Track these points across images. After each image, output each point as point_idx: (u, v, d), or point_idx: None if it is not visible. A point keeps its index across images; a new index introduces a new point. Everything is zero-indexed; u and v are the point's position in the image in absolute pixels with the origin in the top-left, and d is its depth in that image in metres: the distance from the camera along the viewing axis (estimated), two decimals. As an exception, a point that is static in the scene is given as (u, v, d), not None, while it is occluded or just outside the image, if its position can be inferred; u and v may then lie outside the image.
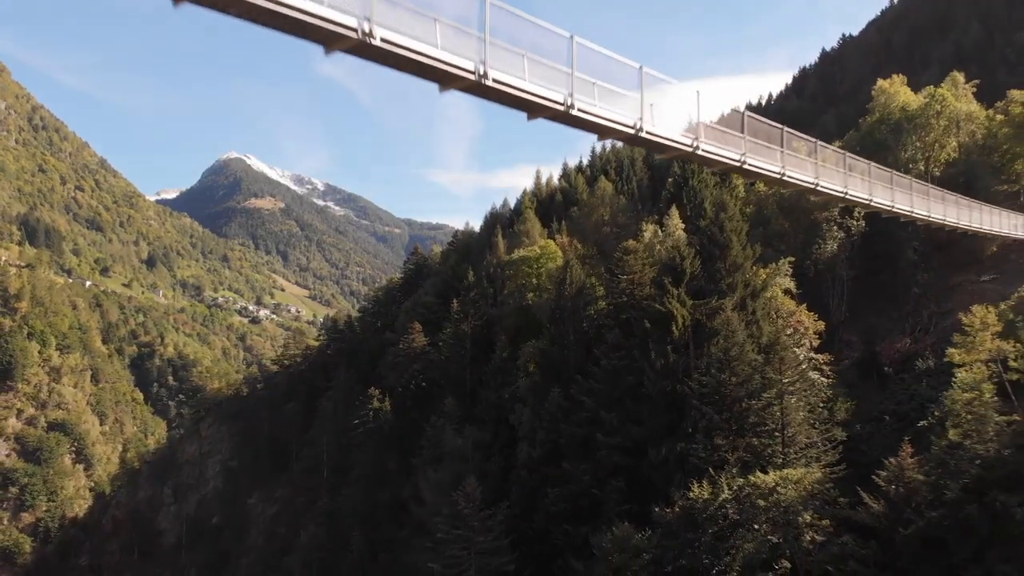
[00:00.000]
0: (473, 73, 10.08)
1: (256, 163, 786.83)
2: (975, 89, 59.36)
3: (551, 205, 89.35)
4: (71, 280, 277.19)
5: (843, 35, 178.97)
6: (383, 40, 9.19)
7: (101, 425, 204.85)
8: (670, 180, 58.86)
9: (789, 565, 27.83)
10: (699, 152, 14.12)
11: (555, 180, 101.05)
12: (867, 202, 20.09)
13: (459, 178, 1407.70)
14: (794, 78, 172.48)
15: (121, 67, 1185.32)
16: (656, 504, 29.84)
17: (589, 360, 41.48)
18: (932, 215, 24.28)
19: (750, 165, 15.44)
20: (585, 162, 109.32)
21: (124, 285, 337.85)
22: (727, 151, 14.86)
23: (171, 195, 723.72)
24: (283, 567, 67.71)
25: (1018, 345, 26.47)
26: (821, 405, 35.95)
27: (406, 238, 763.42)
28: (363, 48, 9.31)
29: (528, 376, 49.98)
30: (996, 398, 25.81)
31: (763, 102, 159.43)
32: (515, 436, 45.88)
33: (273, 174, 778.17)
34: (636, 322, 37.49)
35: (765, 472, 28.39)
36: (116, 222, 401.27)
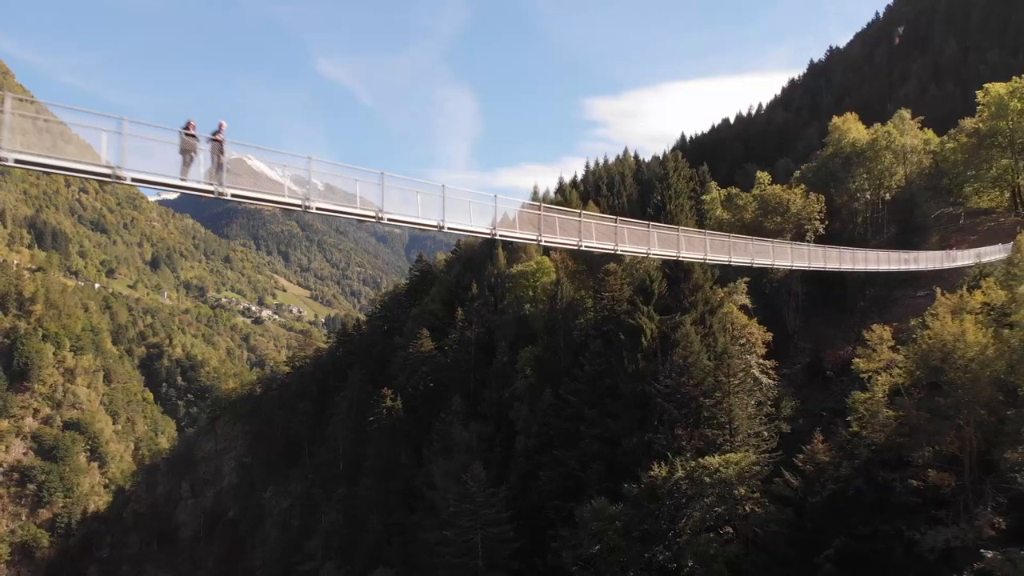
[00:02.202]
0: (300, 206, 17.62)
1: (256, 164, 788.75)
2: (919, 125, 66.60)
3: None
4: (81, 283, 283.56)
5: (830, 47, 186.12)
6: (233, 195, 16.08)
7: (114, 424, 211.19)
8: (651, 204, 65.91)
9: (731, 530, 35.11)
10: (498, 236, 21.45)
11: (551, 193, 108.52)
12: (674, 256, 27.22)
13: (460, 178, 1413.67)
14: (783, 89, 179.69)
15: (121, 67, 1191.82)
16: (627, 482, 37.09)
17: (576, 365, 48.73)
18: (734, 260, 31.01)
19: (547, 241, 22.60)
20: (580, 176, 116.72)
21: (129, 287, 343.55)
22: (525, 233, 22.07)
23: (172, 195, 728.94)
24: (306, 550, 74.66)
25: (903, 356, 33.52)
26: (769, 403, 43.27)
27: (406, 238, 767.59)
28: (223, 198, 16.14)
29: (525, 378, 57.23)
30: (887, 397, 32.96)
31: (752, 112, 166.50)
32: (514, 430, 53.25)
33: (273, 174, 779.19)
34: (614, 333, 44.71)
35: (714, 457, 35.61)
36: (120, 224, 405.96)
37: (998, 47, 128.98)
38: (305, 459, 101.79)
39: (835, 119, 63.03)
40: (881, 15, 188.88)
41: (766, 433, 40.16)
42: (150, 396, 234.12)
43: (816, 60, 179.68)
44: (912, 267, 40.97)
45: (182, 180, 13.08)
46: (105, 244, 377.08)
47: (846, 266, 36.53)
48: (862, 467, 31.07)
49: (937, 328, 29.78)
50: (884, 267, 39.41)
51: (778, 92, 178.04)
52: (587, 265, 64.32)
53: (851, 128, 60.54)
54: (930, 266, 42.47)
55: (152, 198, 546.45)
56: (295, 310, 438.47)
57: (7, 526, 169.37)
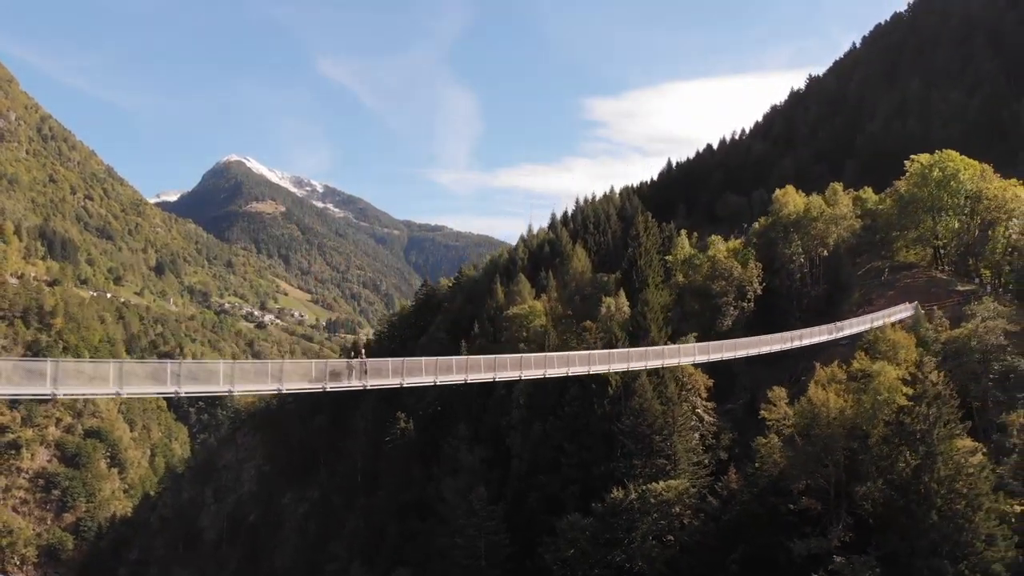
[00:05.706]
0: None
1: (256, 165, 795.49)
2: (850, 195, 78.49)
3: (541, 255, 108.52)
4: (92, 292, 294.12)
5: (809, 76, 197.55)
6: (372, 385, 26.70)
7: (131, 431, 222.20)
8: (627, 254, 77.64)
9: (672, 538, 47.02)
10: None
11: (544, 229, 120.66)
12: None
13: (460, 177, 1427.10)
14: (764, 115, 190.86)
15: (123, 68, 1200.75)
16: (595, 502, 48.97)
17: (560, 402, 60.54)
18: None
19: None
20: (571, 212, 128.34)
21: (136, 293, 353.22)
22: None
23: (172, 197, 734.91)
24: (330, 551, 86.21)
25: (792, 412, 45.28)
26: (710, 436, 55.24)
27: (405, 240, 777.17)
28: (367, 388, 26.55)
29: (519, 409, 68.88)
30: (783, 441, 44.75)
31: (737, 137, 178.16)
32: (510, 454, 65.10)
33: (273, 176, 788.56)
34: (587, 381, 56.55)
35: (659, 483, 47.52)
36: (125, 230, 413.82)
37: (958, 88, 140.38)
38: (321, 468, 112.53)
39: (777, 191, 75.00)
40: (858, 45, 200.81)
41: (706, 461, 52.14)
42: (164, 404, 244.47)
43: (796, 88, 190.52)
44: (797, 344, 52.58)
45: (348, 383, 24.49)
46: (111, 251, 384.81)
47: (740, 353, 48.35)
48: (759, 494, 42.99)
49: (810, 394, 41.70)
50: (777, 347, 51.15)
51: (759, 119, 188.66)
52: (572, 311, 76.30)
53: (790, 200, 72.44)
54: (817, 340, 54.15)
55: (153, 201, 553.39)
56: (296, 314, 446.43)
57: (33, 530, 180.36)
